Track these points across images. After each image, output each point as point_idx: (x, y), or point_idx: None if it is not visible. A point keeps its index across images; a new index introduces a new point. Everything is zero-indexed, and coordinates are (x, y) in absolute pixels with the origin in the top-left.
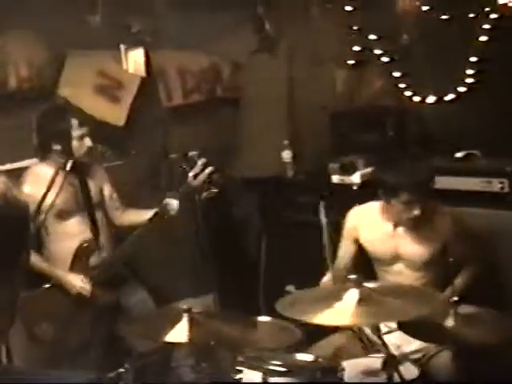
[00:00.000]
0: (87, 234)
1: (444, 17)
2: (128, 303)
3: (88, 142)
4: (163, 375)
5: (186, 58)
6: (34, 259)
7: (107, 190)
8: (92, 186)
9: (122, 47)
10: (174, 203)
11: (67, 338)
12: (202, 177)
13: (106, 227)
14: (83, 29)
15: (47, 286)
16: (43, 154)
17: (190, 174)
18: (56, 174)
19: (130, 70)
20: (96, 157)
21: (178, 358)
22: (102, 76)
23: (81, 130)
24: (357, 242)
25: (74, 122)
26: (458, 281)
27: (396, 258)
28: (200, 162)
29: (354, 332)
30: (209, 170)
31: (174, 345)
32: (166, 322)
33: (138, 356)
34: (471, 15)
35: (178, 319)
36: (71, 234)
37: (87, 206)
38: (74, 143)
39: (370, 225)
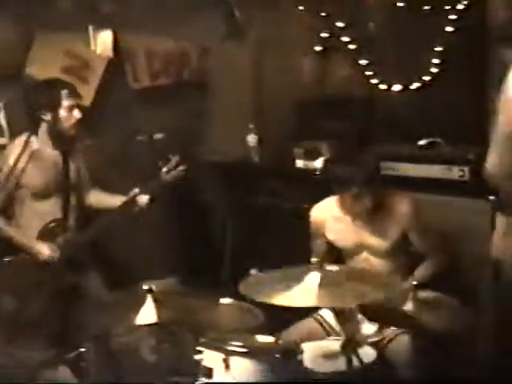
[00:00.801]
0: (58, 215)
1: (411, 6)
2: (85, 286)
3: (77, 113)
4: (123, 356)
5: (154, 40)
6: (3, 226)
7: (83, 170)
8: (72, 165)
9: (91, 28)
10: (143, 198)
11: (24, 313)
12: (174, 173)
13: (76, 208)
14: (52, 10)
15: (8, 259)
16: (33, 125)
17: (164, 170)
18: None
19: (98, 51)
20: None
21: (139, 338)
22: (69, 56)
23: (70, 101)
24: (325, 235)
25: (64, 91)
26: (420, 270)
27: (360, 248)
28: (174, 160)
29: (316, 318)
30: (182, 167)
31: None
32: (129, 303)
33: (98, 336)
34: (438, 5)
35: (141, 300)
36: (45, 213)
37: (64, 186)
38: (63, 113)
39: (332, 219)
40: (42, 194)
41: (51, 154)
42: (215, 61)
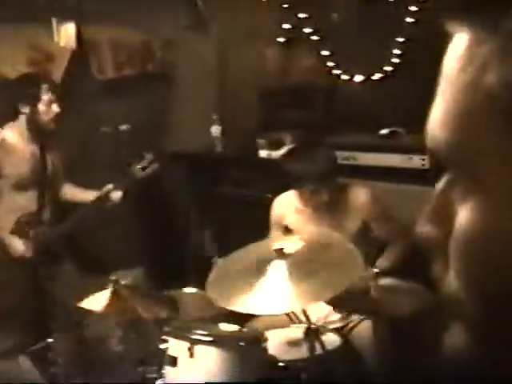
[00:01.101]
0: (33, 207)
1: None
2: (58, 274)
3: (56, 107)
4: (91, 346)
5: (118, 32)
6: None
7: (58, 162)
8: (48, 158)
9: (54, 21)
10: (117, 194)
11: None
12: (149, 170)
13: (51, 202)
14: (15, 1)
15: None
16: (11, 117)
17: (138, 167)
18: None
19: (62, 44)
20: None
21: (107, 328)
22: (33, 49)
23: (49, 95)
24: (285, 228)
25: (44, 85)
26: (383, 258)
27: None
28: (148, 157)
29: None
30: (156, 165)
31: (102, 315)
32: (92, 291)
33: (66, 326)
34: None
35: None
36: (22, 205)
37: (41, 179)
38: (42, 107)
39: (293, 211)
40: (20, 186)
41: (28, 146)
42: (179, 52)
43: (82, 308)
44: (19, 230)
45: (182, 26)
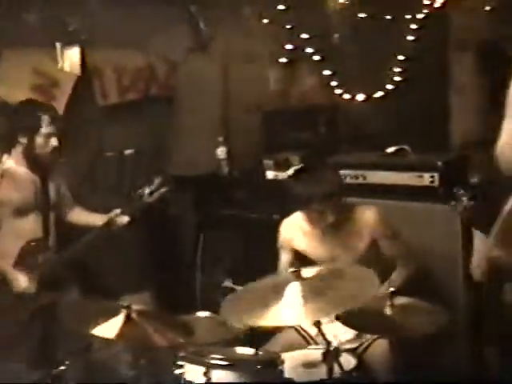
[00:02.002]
0: (38, 233)
1: (374, 16)
2: (63, 302)
3: (54, 141)
4: (102, 372)
5: (122, 56)
6: None
7: (63, 188)
8: (51, 185)
9: (58, 45)
10: (123, 219)
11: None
12: (157, 194)
13: (56, 227)
14: (19, 27)
15: None
16: (7, 145)
17: (146, 192)
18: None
19: (66, 69)
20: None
21: (117, 354)
22: (37, 74)
23: (50, 128)
24: (293, 250)
25: (45, 118)
26: (394, 276)
27: (333, 259)
28: (157, 181)
29: (295, 328)
30: (164, 189)
31: (111, 341)
32: (102, 317)
33: (77, 353)
34: (400, 15)
35: (115, 315)
36: (24, 231)
37: (44, 205)
38: (40, 140)
39: (301, 234)
40: (21, 212)
41: (28, 173)
42: (182, 75)
43: (94, 335)
44: (24, 260)
45: (186, 49)
